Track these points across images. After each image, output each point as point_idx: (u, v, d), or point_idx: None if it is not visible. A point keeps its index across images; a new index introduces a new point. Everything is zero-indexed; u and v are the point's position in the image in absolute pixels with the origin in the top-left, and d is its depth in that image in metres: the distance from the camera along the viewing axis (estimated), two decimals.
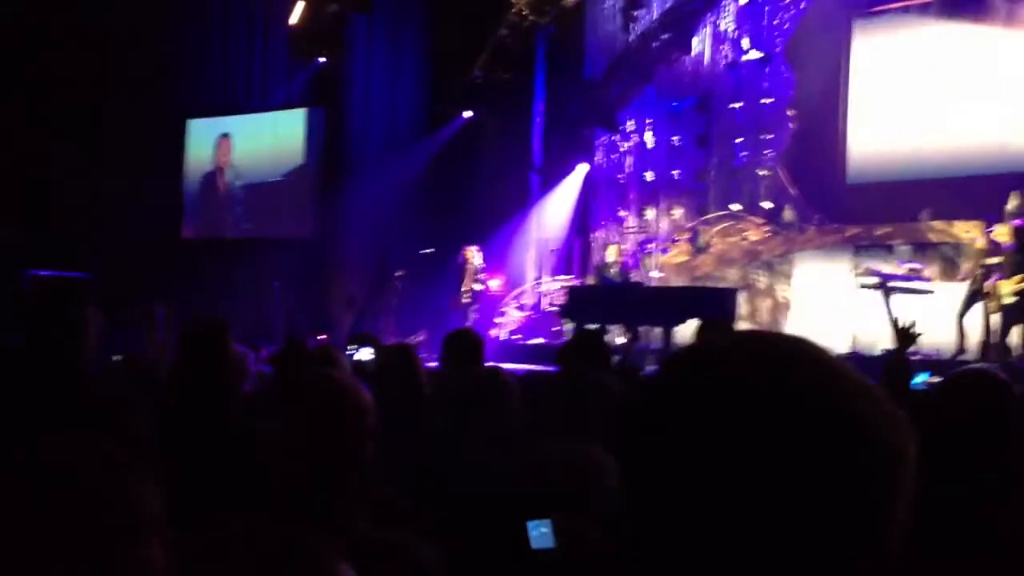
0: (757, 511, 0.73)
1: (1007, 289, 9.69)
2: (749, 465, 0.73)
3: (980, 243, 10.26)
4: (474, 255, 13.08)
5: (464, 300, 12.97)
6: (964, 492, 2.21)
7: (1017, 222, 10.08)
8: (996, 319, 10.04)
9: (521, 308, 14.66)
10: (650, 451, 0.78)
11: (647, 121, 14.70)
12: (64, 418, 2.76)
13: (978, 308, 10.31)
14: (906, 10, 12.69)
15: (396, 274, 14.07)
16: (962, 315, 10.40)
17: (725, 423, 0.74)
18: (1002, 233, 10.01)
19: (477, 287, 12.99)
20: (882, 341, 11.65)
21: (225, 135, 16.95)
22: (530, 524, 1.74)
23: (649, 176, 14.63)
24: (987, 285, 10.05)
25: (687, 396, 0.77)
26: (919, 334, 4.40)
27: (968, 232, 11.15)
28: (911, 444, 0.78)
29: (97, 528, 1.13)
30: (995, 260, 10.07)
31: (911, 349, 11.27)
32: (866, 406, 0.77)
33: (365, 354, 5.24)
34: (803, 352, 0.79)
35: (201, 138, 17.18)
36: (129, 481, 1.18)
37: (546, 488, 1.96)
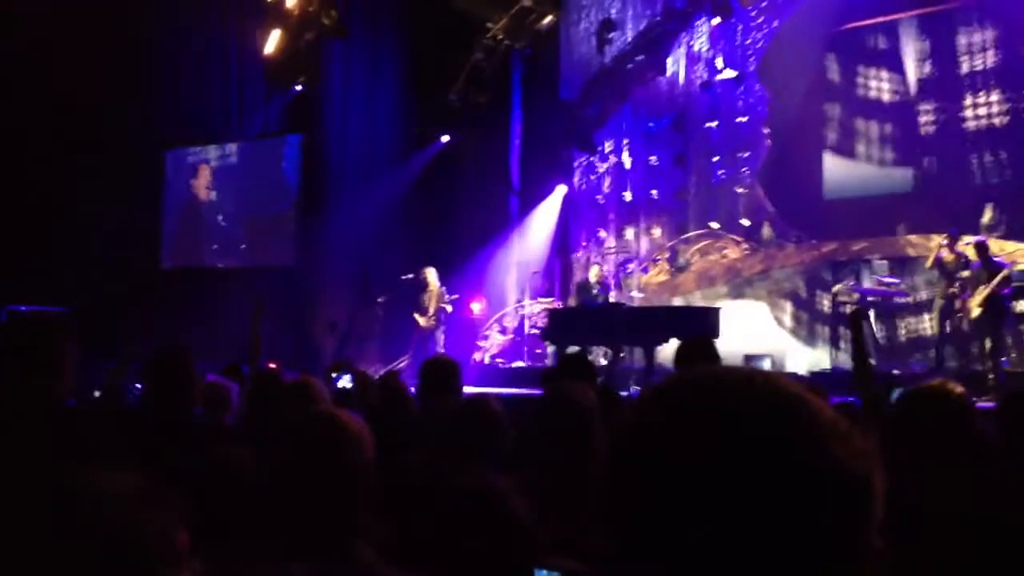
0: (735, 545, 0.78)
1: (974, 303, 9.85)
2: (724, 505, 0.78)
3: (948, 256, 10.36)
4: (433, 277, 12.92)
5: (430, 323, 12.77)
6: (932, 499, 2.23)
7: (979, 238, 10.21)
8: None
9: (503, 331, 14.66)
10: (632, 491, 0.82)
11: (624, 141, 14.78)
12: (44, 452, 2.75)
13: (949, 321, 10.46)
14: (877, 27, 12.83)
15: (378, 300, 14.04)
16: (940, 338, 10.52)
17: (702, 470, 0.79)
18: (969, 249, 10.21)
19: (447, 308, 12.85)
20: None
21: (203, 163, 16.93)
22: (539, 574, 1.68)
23: (627, 196, 14.70)
24: (959, 302, 10.23)
25: (663, 444, 0.81)
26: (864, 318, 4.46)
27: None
28: (878, 475, 0.82)
29: (127, 562, 1.13)
30: (966, 274, 10.23)
31: (893, 362, 11.28)
32: (836, 446, 0.81)
33: (346, 381, 5.24)
34: (775, 394, 0.83)
35: (179, 169, 17.16)
36: (158, 514, 1.18)
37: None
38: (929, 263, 10.66)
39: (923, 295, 11.51)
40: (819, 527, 0.78)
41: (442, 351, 11.84)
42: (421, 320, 12.77)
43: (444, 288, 12.94)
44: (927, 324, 10.92)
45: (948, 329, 10.52)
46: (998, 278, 9.70)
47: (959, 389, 2.63)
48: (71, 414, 3.07)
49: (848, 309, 11.34)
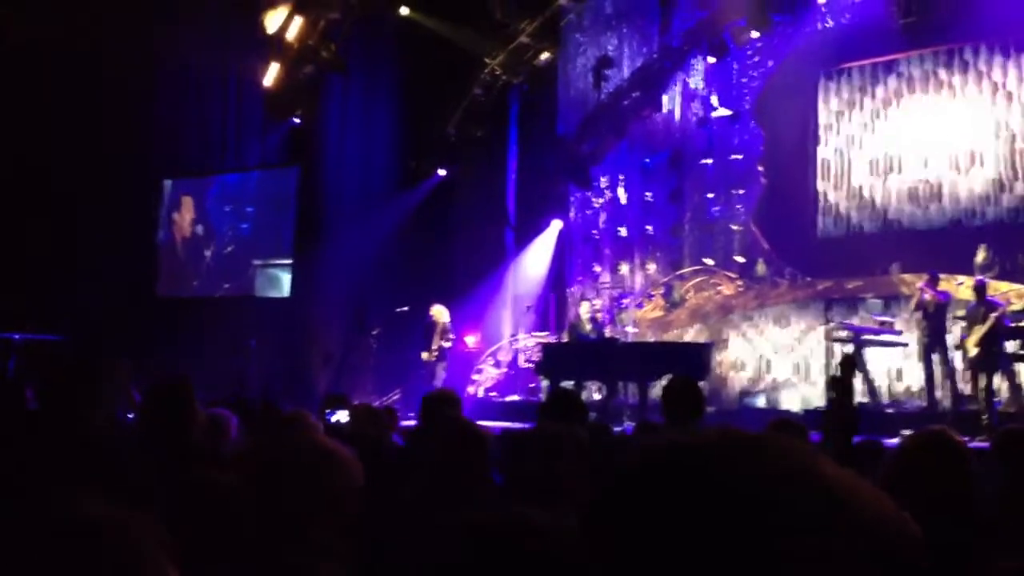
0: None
1: (971, 342, 9.87)
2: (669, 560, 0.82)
3: (929, 296, 10.42)
4: (441, 313, 12.94)
5: (431, 358, 12.76)
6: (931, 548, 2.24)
7: (979, 279, 10.28)
8: (967, 373, 10.24)
9: (497, 365, 14.65)
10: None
11: (620, 177, 14.84)
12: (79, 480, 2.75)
13: (935, 360, 10.51)
14: (872, 67, 12.96)
15: (372, 332, 14.03)
16: (928, 378, 10.58)
17: (651, 532, 0.83)
18: (966, 287, 10.27)
19: (446, 344, 12.86)
20: (856, 395, 11.73)
21: (199, 193, 16.98)
22: None
23: (623, 231, 14.74)
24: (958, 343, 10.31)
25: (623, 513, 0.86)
26: (845, 377, 4.47)
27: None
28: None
29: None
30: (960, 313, 10.29)
31: (887, 402, 11.30)
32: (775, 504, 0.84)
33: (342, 416, 5.24)
34: (722, 456, 0.87)
35: (176, 198, 17.19)
36: (150, 542, 1.18)
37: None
38: (912, 305, 10.73)
39: (914, 334, 11.53)
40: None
41: (438, 385, 11.80)
42: (424, 354, 12.78)
43: (448, 324, 12.92)
44: (920, 363, 10.94)
45: (935, 368, 10.58)
46: (992, 317, 9.72)
47: (957, 437, 2.66)
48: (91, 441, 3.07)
49: (842, 348, 11.37)
